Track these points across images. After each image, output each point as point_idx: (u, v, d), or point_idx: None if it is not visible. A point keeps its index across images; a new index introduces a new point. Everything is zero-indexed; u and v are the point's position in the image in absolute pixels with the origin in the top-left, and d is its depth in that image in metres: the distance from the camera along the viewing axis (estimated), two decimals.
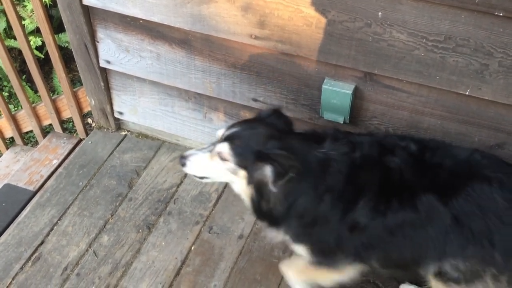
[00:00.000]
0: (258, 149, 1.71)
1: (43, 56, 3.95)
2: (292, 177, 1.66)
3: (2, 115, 3.30)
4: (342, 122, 2.23)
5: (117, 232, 2.51)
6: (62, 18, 2.48)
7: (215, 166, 1.80)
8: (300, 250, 1.93)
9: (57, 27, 4.01)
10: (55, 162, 3.02)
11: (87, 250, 2.45)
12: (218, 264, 2.39)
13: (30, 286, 2.32)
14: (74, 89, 2.94)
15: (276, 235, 1.92)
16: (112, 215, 2.58)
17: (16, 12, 2.63)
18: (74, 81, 4.28)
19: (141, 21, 2.35)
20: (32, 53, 2.82)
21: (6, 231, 2.61)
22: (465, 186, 1.66)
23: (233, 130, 1.80)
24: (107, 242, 2.48)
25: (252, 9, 2.07)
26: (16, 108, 3.96)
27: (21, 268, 2.39)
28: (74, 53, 2.63)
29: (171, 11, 2.22)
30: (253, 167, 1.70)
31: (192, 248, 2.45)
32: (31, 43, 4.02)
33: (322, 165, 1.73)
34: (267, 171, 1.66)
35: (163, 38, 2.39)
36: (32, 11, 3.86)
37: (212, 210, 2.60)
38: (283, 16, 2.03)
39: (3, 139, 3.44)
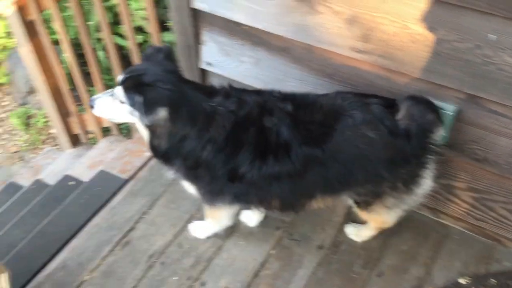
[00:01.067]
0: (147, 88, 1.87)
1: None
2: (180, 121, 1.89)
3: None
4: (439, 143, 2.17)
5: None
6: (171, 18, 2.61)
7: (117, 108, 1.98)
8: (190, 187, 2.22)
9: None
10: (148, 154, 3.18)
11: (172, 241, 2.56)
12: (296, 271, 2.41)
13: (118, 269, 2.46)
14: None
15: (170, 173, 2.16)
16: (198, 210, 2.68)
17: (127, 11, 2.81)
18: None
19: (244, 27, 2.43)
20: (136, 49, 3.00)
21: (99, 213, 2.79)
22: (334, 131, 1.93)
23: (130, 73, 1.96)
24: (192, 235, 2.57)
25: (357, 23, 2.08)
26: None
27: (111, 250, 2.54)
28: (178, 53, 2.76)
29: (275, 19, 2.27)
30: (142, 106, 1.85)
31: (272, 252, 2.49)
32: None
33: (208, 116, 1.93)
34: (159, 111, 1.85)
35: (264, 45, 2.45)
36: (135, 9, 4.09)
37: (294, 217, 2.62)
38: (388, 31, 2.02)
39: (100, 128, 3.67)
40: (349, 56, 2.21)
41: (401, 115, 1.94)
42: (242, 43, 2.50)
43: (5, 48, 5.07)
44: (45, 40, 3.21)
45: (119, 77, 1.98)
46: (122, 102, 1.94)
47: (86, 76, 3.56)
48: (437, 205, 2.52)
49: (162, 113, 1.85)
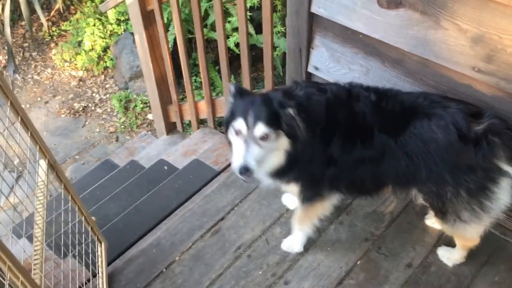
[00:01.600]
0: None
1: (238, 52, 4.30)
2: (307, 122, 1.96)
3: (204, 97, 3.66)
4: None
5: (289, 228, 2.62)
6: (287, 21, 2.68)
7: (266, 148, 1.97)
8: (290, 187, 2.24)
9: (256, 27, 4.34)
10: None
11: (260, 236, 2.61)
12: (382, 286, 2.38)
13: (206, 254, 2.55)
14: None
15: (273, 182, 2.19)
16: (287, 210, 2.71)
17: (222, 10, 2.94)
18: (258, 80, 4.58)
19: (361, 36, 2.44)
20: (226, 47, 3.13)
21: (192, 199, 2.90)
22: (409, 125, 1.98)
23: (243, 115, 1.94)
24: (279, 234, 2.61)
25: (483, 42, 2.03)
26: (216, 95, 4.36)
27: (201, 236, 2.64)
28: (287, 54, 2.83)
29: (395, 30, 2.27)
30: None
31: (358, 262, 2.48)
32: (234, 38, 4.43)
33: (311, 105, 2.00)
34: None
35: (378, 55, 2.45)
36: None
37: (384, 231, 2.60)
38: None
39: (197, 119, 3.82)
40: (468, 75, 2.16)
41: (481, 127, 1.91)
42: (355, 51, 2.52)
43: (113, 34, 5.40)
44: (160, 30, 3.39)
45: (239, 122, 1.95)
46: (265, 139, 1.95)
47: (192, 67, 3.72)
48: None
49: (291, 111, 1.95)
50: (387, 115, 2.06)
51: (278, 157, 2.03)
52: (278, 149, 2.00)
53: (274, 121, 1.92)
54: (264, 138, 1.92)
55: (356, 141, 2.06)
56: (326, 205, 2.35)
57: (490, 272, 2.41)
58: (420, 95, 2.08)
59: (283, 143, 1.99)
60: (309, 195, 2.28)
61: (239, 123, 1.93)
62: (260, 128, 1.90)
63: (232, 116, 1.97)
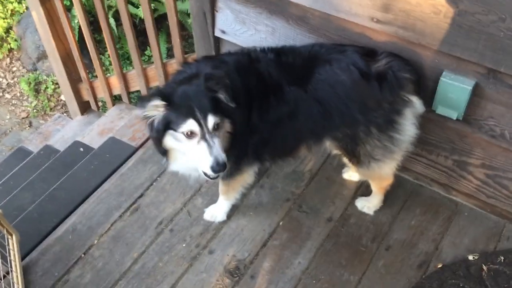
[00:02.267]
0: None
1: None
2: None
3: (114, 73, 3.50)
4: (455, 118, 2.15)
5: (210, 197, 2.60)
6: None
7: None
8: None
9: None
10: None
11: (181, 209, 2.56)
12: (305, 242, 2.41)
13: (127, 234, 2.47)
14: (185, 55, 3.05)
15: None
16: (207, 181, 2.66)
17: None
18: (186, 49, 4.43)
19: None
20: (152, 17, 2.96)
21: (109, 179, 2.79)
22: (314, 73, 2.01)
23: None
24: (201, 205, 2.57)
25: None
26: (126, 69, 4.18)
27: (120, 216, 2.55)
28: (192, 20, 2.73)
29: None
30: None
31: (281, 223, 2.49)
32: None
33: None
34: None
35: (281, 13, 2.40)
36: None
37: (304, 189, 2.62)
38: (411, 2, 1.97)
39: (111, 95, 3.65)
40: (368, 27, 2.16)
41: (379, 63, 2.01)
42: (259, 11, 2.46)
43: (15, 13, 5.03)
44: (58, 5, 3.17)
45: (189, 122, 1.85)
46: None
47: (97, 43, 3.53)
48: (449, 182, 2.50)
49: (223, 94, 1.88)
50: (291, 68, 2.06)
51: (225, 143, 1.98)
52: (224, 134, 1.95)
53: (215, 107, 1.84)
54: (216, 128, 1.85)
55: (270, 101, 2.04)
56: (247, 177, 2.34)
57: (406, 217, 2.51)
58: (315, 45, 2.13)
59: (227, 125, 1.94)
60: (232, 170, 2.19)
61: (190, 124, 1.82)
62: (212, 119, 1.83)
63: (171, 124, 1.85)
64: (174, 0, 2.77)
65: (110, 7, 4.31)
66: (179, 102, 1.84)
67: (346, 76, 1.98)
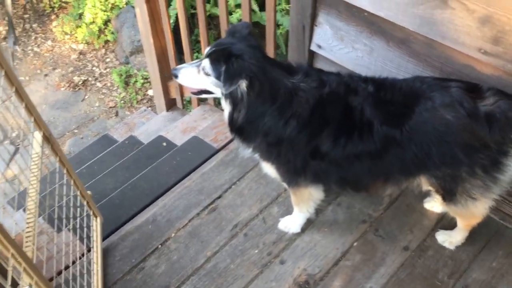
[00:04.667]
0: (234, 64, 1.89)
1: None
2: (262, 95, 1.91)
3: None
4: None
5: (286, 207, 2.62)
6: None
7: (201, 79, 2.03)
8: (268, 168, 2.23)
9: (260, 4, 4.26)
10: None
11: (257, 215, 2.60)
12: (378, 268, 2.37)
13: (203, 232, 2.53)
14: None
15: (247, 151, 2.17)
16: (285, 190, 2.69)
17: None
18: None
19: (365, 14, 2.38)
20: (228, 24, 3.04)
21: (189, 177, 2.88)
22: (413, 112, 1.93)
23: (217, 46, 1.99)
24: (276, 214, 2.60)
25: (490, 23, 1.97)
26: None
27: (198, 214, 2.62)
28: (290, 31, 2.77)
29: (400, 9, 2.21)
30: (224, 75, 1.88)
31: (355, 244, 2.46)
32: (237, 15, 4.37)
33: (290, 93, 1.94)
34: (241, 83, 1.87)
35: (382, 34, 2.39)
36: None
37: (382, 213, 2.58)
38: None
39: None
40: (474, 57, 2.10)
41: (486, 102, 1.89)
42: (360, 30, 2.46)
43: (115, 7, 5.31)
44: (162, 4, 3.32)
45: (207, 50, 2.01)
46: (208, 74, 1.99)
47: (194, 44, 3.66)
48: None
49: (243, 84, 1.87)
50: (388, 106, 1.99)
51: (222, 102, 2.07)
52: (219, 95, 2.06)
53: (219, 68, 1.93)
54: (206, 73, 1.99)
55: (352, 136, 1.99)
56: (313, 192, 2.33)
57: (488, 258, 2.40)
58: (415, 80, 2.04)
59: (218, 92, 2.03)
60: (289, 182, 2.26)
61: (207, 48, 2.02)
62: (206, 62, 1.96)
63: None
64: (274, 11, 2.81)
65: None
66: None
67: (451, 116, 1.89)
